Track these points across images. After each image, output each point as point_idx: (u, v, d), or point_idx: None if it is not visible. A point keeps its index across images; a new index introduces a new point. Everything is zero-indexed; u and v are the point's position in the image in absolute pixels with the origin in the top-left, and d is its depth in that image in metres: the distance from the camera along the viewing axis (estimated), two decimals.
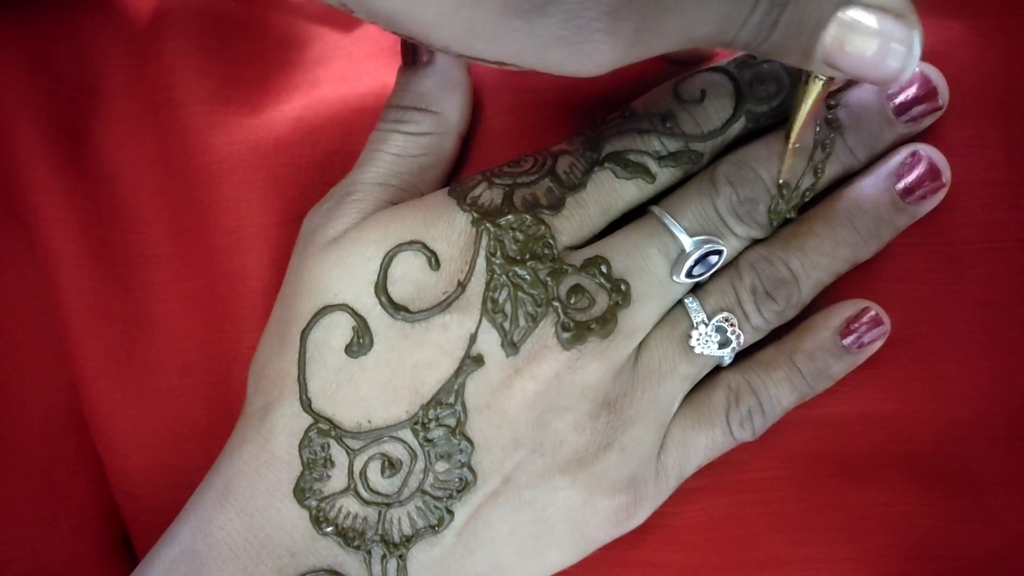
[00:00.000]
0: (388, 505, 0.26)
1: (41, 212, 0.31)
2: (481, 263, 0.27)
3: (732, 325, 0.28)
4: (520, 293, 0.26)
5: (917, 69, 0.28)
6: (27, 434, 0.31)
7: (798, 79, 0.26)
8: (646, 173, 0.28)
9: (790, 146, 0.27)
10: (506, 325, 0.26)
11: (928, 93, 0.28)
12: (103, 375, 0.31)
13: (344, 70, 0.33)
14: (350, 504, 0.26)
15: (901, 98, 0.28)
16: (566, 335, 0.26)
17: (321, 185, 0.30)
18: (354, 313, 0.27)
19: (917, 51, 0.22)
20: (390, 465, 0.26)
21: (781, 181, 0.28)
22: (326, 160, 0.31)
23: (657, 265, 0.28)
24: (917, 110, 0.28)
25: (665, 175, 0.28)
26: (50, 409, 0.32)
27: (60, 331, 0.31)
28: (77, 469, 0.32)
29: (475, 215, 0.27)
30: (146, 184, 0.31)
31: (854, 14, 0.21)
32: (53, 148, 0.31)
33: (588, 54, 0.21)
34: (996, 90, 0.29)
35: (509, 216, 0.27)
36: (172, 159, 0.31)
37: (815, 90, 0.26)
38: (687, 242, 0.27)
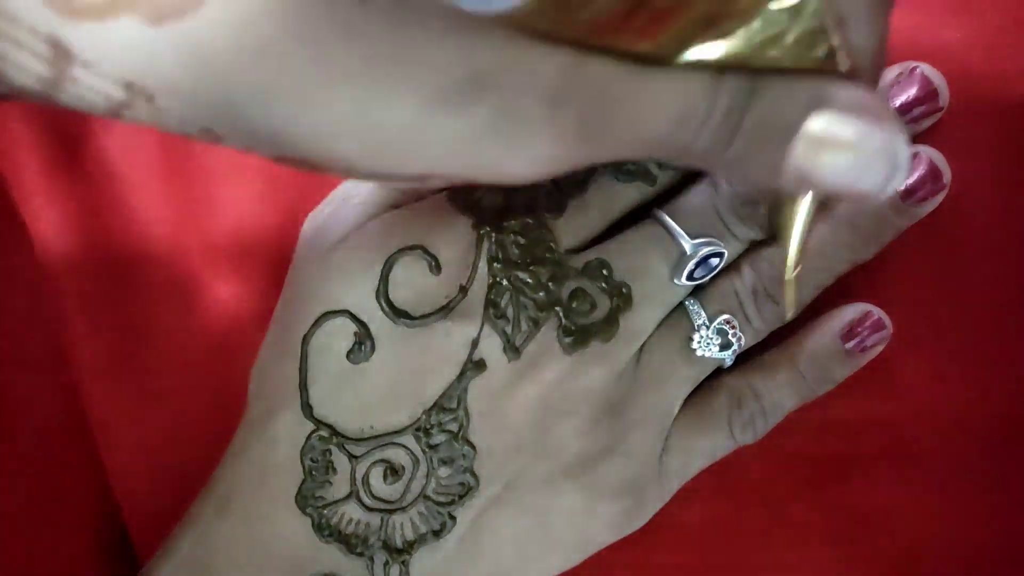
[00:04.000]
0: (390, 511, 0.26)
1: (40, 213, 0.31)
2: (482, 267, 0.27)
3: (733, 327, 0.28)
4: (522, 297, 0.26)
5: (919, 70, 0.28)
6: (26, 437, 0.31)
7: (782, 200, 0.22)
8: (647, 176, 0.28)
9: (788, 277, 0.22)
10: (508, 330, 0.26)
11: (928, 94, 0.28)
12: (103, 377, 0.31)
13: None
14: (352, 511, 0.26)
15: (901, 99, 0.28)
16: (568, 339, 0.26)
17: (321, 185, 0.30)
18: (355, 319, 0.26)
19: (904, 160, 0.18)
20: (392, 471, 0.26)
21: (789, 316, 0.25)
22: None
23: (658, 268, 0.27)
24: (917, 111, 0.28)
25: (666, 177, 0.28)
26: (50, 411, 0.31)
27: (59, 333, 0.31)
28: (77, 472, 0.32)
29: (476, 219, 0.27)
30: (146, 185, 0.31)
31: (827, 119, 0.18)
32: (52, 149, 0.31)
33: (527, 149, 0.17)
34: (997, 90, 0.29)
35: (510, 220, 0.27)
36: (172, 159, 0.31)
37: (805, 209, 0.21)
38: (688, 245, 0.27)
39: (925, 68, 0.28)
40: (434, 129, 0.17)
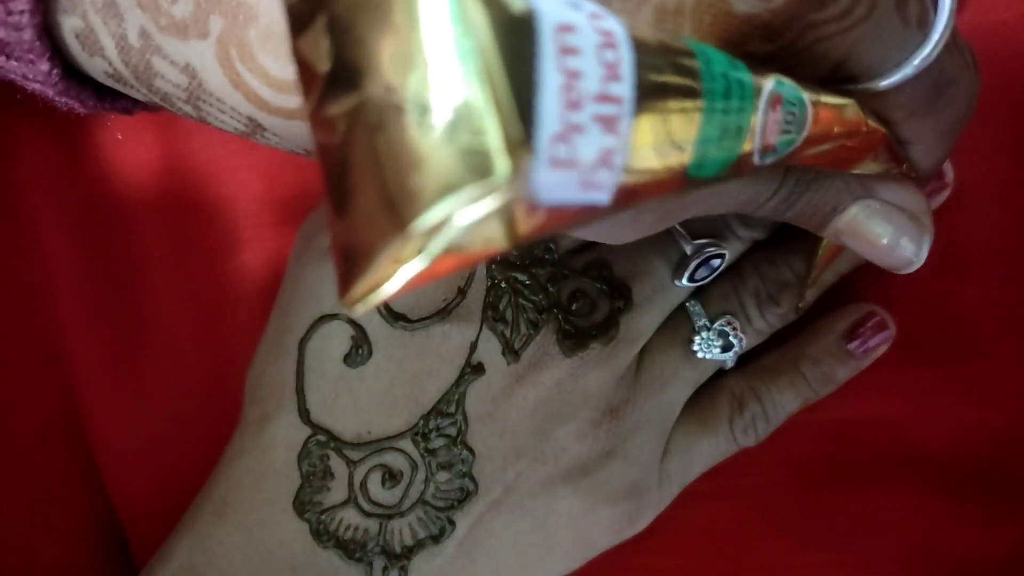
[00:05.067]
0: (389, 516, 0.26)
1: (36, 213, 0.31)
2: (481, 269, 0.26)
3: (735, 329, 0.28)
4: (521, 299, 0.26)
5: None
6: (22, 439, 0.31)
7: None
8: None
9: (810, 283, 0.27)
10: (507, 332, 0.26)
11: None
12: (99, 378, 0.31)
13: None
14: (350, 516, 0.26)
15: None
16: (568, 342, 0.26)
17: (319, 188, 0.30)
18: (352, 322, 0.26)
19: (925, 252, 0.22)
20: (391, 476, 0.26)
21: (800, 305, 0.28)
22: None
23: (659, 269, 0.27)
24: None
25: None
26: (46, 413, 0.31)
27: (56, 334, 0.31)
28: (73, 474, 0.31)
29: None
30: (142, 184, 0.31)
31: (872, 207, 0.22)
32: (48, 147, 0.31)
33: (612, 236, 0.21)
34: (1000, 90, 0.29)
35: None
36: (169, 159, 0.31)
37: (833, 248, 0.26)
38: (689, 245, 0.27)
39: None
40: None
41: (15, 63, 0.20)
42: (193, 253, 0.31)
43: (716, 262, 0.27)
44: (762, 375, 0.28)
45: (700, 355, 0.28)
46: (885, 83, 0.19)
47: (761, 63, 0.16)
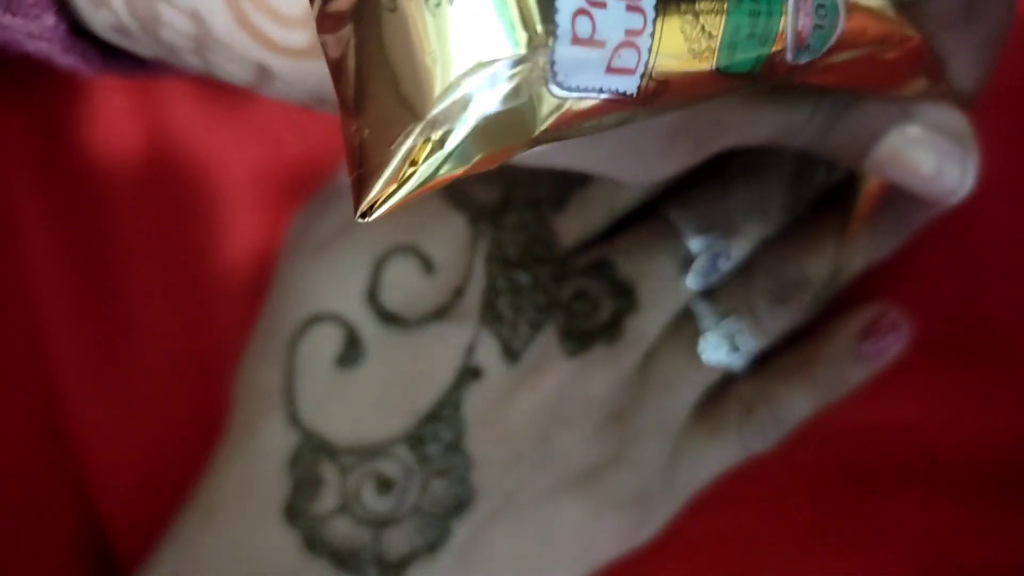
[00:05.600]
0: (383, 525, 0.26)
1: (19, 210, 0.30)
2: (479, 267, 0.26)
3: (743, 330, 0.27)
4: (520, 299, 0.26)
5: None
6: (4, 445, 0.30)
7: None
8: None
9: (848, 238, 0.27)
10: (506, 333, 0.26)
11: None
12: (82, 382, 0.30)
13: None
14: (343, 525, 0.26)
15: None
16: (570, 343, 0.26)
17: (310, 180, 0.30)
18: (344, 323, 0.26)
19: (971, 177, 0.22)
20: (385, 483, 0.26)
21: (808, 306, 0.28)
22: (315, 154, 0.31)
23: (665, 268, 0.27)
24: None
25: None
26: (27, 418, 0.31)
27: (38, 336, 0.30)
28: (57, 482, 0.31)
29: (472, 215, 0.26)
30: (127, 181, 0.31)
31: (912, 131, 0.21)
32: (31, 144, 0.31)
33: (645, 171, 0.22)
34: (1013, 87, 0.29)
35: (508, 216, 0.26)
36: (154, 156, 0.31)
37: (872, 187, 0.26)
38: (696, 243, 0.27)
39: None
40: (565, 150, 0.20)
41: (20, 20, 0.20)
42: (179, 251, 0.30)
43: (724, 261, 0.27)
44: (772, 378, 0.28)
45: (708, 357, 0.27)
46: None
47: None
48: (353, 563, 0.26)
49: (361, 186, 0.11)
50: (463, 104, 0.10)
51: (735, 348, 0.27)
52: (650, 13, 0.12)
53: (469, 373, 0.26)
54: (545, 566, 0.27)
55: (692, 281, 0.27)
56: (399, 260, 0.26)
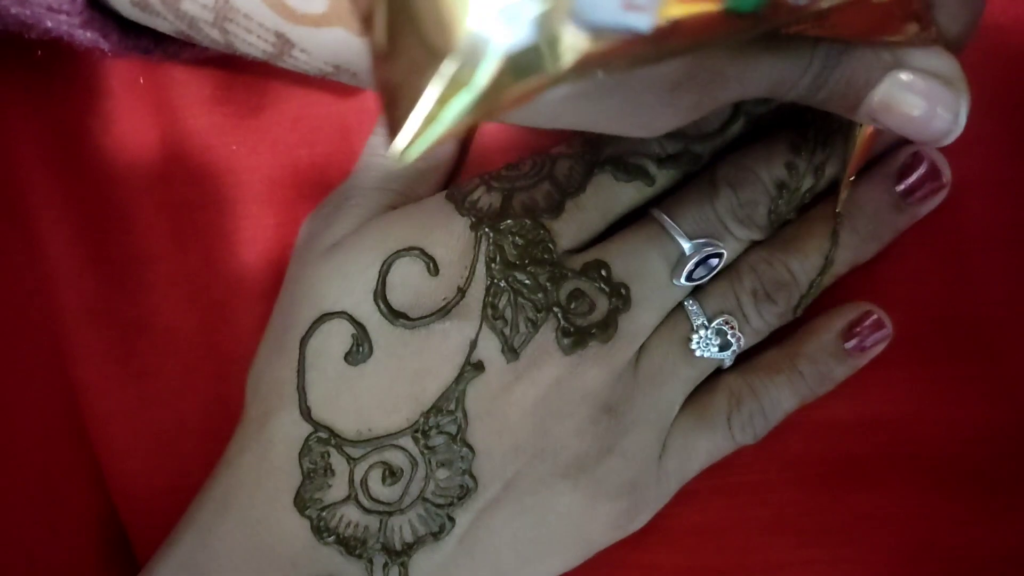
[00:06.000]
0: (389, 513, 0.26)
1: (38, 213, 0.31)
2: (480, 268, 0.26)
3: (732, 327, 0.28)
4: (520, 298, 0.26)
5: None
6: (25, 438, 0.31)
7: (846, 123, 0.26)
8: (645, 176, 0.28)
9: (845, 180, 0.27)
10: (506, 331, 0.26)
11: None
12: (101, 378, 0.31)
13: None
14: (351, 513, 0.26)
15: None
16: (567, 340, 0.26)
17: (319, 186, 0.30)
18: (353, 320, 0.26)
19: (963, 117, 0.22)
20: (391, 473, 0.26)
21: (839, 209, 0.28)
22: (324, 161, 0.31)
23: (657, 268, 0.27)
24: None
25: (664, 177, 0.28)
26: (48, 412, 0.31)
27: (57, 332, 0.31)
28: (76, 473, 0.32)
29: (474, 219, 0.27)
30: (144, 185, 0.31)
31: (903, 77, 0.22)
32: (50, 148, 0.31)
33: (649, 124, 0.22)
34: (996, 88, 0.29)
35: (508, 220, 0.27)
36: (170, 160, 0.31)
37: (868, 130, 0.26)
38: (687, 245, 0.27)
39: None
40: (575, 104, 0.21)
41: None
42: (195, 253, 0.31)
43: (714, 261, 0.27)
44: (760, 373, 0.29)
45: (698, 353, 0.28)
46: None
47: None
48: (360, 550, 0.26)
49: (395, 127, 0.11)
50: (485, 43, 0.10)
51: (724, 345, 0.28)
52: None
53: (471, 368, 0.26)
54: (542, 552, 0.27)
55: (683, 281, 0.27)
56: (405, 261, 0.26)
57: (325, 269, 0.27)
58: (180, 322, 0.31)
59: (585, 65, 0.12)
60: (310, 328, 0.27)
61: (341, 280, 0.27)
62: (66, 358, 0.31)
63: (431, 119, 0.11)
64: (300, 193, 0.30)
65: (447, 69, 0.11)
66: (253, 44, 0.20)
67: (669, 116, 0.21)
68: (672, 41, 0.13)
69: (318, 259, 0.27)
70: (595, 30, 0.11)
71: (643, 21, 0.12)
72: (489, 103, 0.11)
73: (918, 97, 0.22)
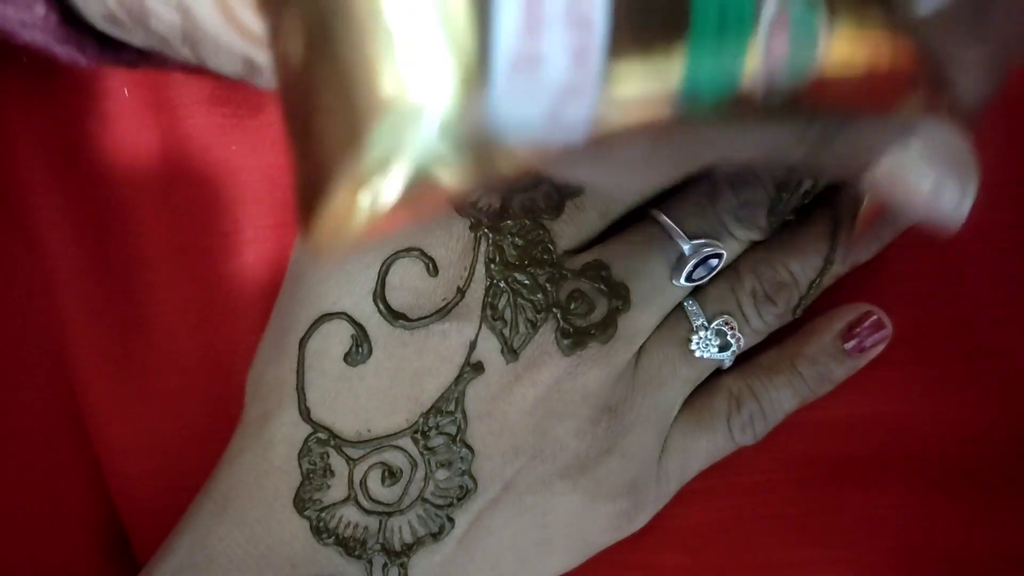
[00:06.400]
0: (389, 514, 0.26)
1: (38, 213, 0.31)
2: (480, 269, 0.26)
3: (732, 328, 0.28)
4: (520, 299, 0.26)
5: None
6: (25, 437, 0.31)
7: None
8: None
9: (844, 245, 0.27)
10: (506, 332, 0.26)
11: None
12: (101, 377, 0.31)
13: None
14: (350, 513, 0.26)
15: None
16: (566, 341, 0.26)
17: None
18: (353, 321, 0.26)
19: (968, 203, 0.21)
20: (390, 474, 0.26)
21: (797, 309, 0.28)
22: None
23: (657, 269, 0.27)
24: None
25: None
26: (48, 412, 0.31)
27: (57, 333, 0.31)
28: (75, 473, 0.32)
29: (473, 220, 0.27)
30: (144, 186, 0.31)
31: (912, 153, 0.20)
32: (50, 148, 0.31)
33: (631, 182, 0.22)
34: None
35: (508, 221, 0.27)
36: (170, 160, 0.31)
37: (864, 203, 0.25)
38: (686, 246, 0.27)
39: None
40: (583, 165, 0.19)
41: (11, 8, 0.20)
42: (195, 253, 0.31)
43: (714, 262, 0.27)
44: (759, 374, 0.29)
45: (698, 354, 0.28)
46: (920, 6, 0.17)
47: None
48: (360, 551, 0.26)
49: (305, 219, 0.11)
50: (398, 136, 0.10)
51: (724, 346, 0.28)
52: (596, 64, 0.10)
53: (471, 369, 0.26)
54: (542, 552, 0.27)
55: (683, 281, 0.27)
56: (405, 262, 0.26)
57: (324, 270, 0.27)
58: (180, 323, 0.31)
59: (522, 168, 0.11)
60: (309, 329, 0.27)
61: (341, 280, 0.27)
62: (66, 358, 0.31)
63: (347, 212, 0.10)
64: None
65: (361, 162, 0.10)
66: (222, 65, 0.19)
67: (649, 176, 0.20)
68: (614, 141, 0.11)
69: (318, 260, 0.27)
70: (521, 139, 0.10)
71: (573, 134, 0.11)
72: (407, 199, 0.10)
73: (926, 172, 0.20)
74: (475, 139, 0.10)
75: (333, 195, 0.10)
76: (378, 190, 0.10)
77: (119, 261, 0.31)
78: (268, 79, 0.19)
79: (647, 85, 0.11)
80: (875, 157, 0.20)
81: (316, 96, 0.10)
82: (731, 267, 0.28)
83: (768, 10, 0.13)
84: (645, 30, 0.11)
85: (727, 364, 0.29)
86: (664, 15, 0.11)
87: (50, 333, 0.31)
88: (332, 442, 0.26)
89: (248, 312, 0.30)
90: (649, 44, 0.11)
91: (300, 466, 0.26)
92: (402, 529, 0.26)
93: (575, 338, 0.26)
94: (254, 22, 0.17)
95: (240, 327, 0.30)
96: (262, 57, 0.18)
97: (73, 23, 0.20)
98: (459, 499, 0.26)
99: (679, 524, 0.29)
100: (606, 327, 0.26)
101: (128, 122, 0.31)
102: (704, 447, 0.28)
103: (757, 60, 0.13)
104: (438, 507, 0.26)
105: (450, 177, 0.10)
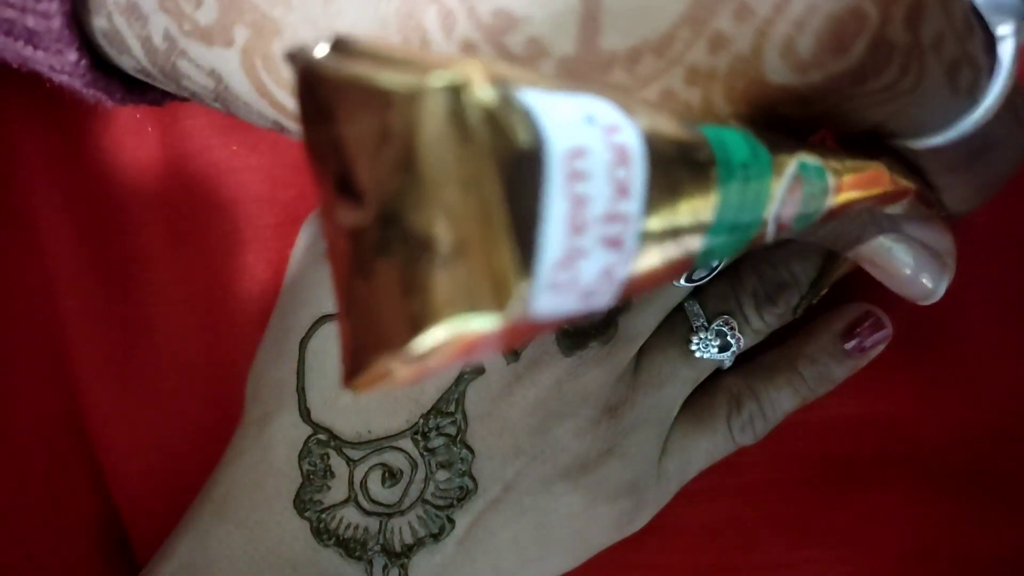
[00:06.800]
0: (389, 515, 0.26)
1: (39, 213, 0.31)
2: None
3: (732, 328, 0.28)
4: None
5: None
6: (25, 438, 0.31)
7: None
8: None
9: (820, 287, 0.28)
10: None
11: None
12: (101, 378, 0.31)
13: None
14: (351, 515, 0.26)
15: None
16: (566, 342, 0.26)
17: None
18: None
19: (943, 288, 0.23)
20: (391, 475, 0.26)
21: (798, 309, 0.28)
22: None
23: None
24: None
25: None
26: (48, 413, 0.31)
27: (58, 333, 0.31)
28: (76, 474, 0.32)
29: None
30: (144, 185, 0.31)
31: (894, 241, 0.23)
32: (50, 148, 0.31)
33: None
34: None
35: None
36: (171, 161, 0.31)
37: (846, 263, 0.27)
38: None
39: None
40: None
41: (43, 53, 0.20)
42: (195, 254, 0.31)
43: (714, 262, 0.27)
44: (760, 374, 0.29)
45: (698, 354, 0.28)
46: (924, 145, 0.18)
47: (787, 136, 0.15)
48: (360, 552, 0.26)
49: (348, 376, 0.12)
50: (442, 342, 0.11)
51: (725, 346, 0.28)
52: (631, 247, 0.12)
53: (471, 370, 0.26)
54: (542, 553, 0.27)
55: (683, 281, 0.27)
56: None
57: (325, 271, 0.27)
58: (180, 323, 0.31)
59: (535, 336, 0.12)
60: (310, 329, 0.27)
61: None
62: (66, 359, 0.31)
63: (384, 375, 0.11)
64: (300, 192, 0.30)
65: (404, 357, 0.11)
66: (254, 121, 0.20)
67: None
68: (632, 296, 0.13)
69: (318, 261, 0.27)
70: (550, 318, 0.12)
71: (601, 303, 0.12)
72: (438, 368, 0.11)
73: (907, 260, 0.23)
74: (513, 329, 0.11)
75: (382, 361, 0.11)
76: (427, 361, 0.11)
77: (119, 261, 0.31)
78: (297, 137, 0.20)
79: (670, 254, 0.13)
80: (862, 240, 0.23)
81: (361, 283, 0.11)
82: (732, 267, 0.28)
83: (788, 174, 0.15)
84: (672, 207, 0.12)
85: (727, 364, 0.29)
86: (691, 192, 0.13)
87: (50, 334, 0.31)
88: (332, 443, 0.26)
89: (248, 312, 0.30)
90: (675, 218, 0.12)
91: (300, 467, 0.26)
92: (402, 530, 0.26)
93: (575, 338, 0.26)
94: (287, 99, 0.18)
95: (240, 327, 0.30)
96: (292, 125, 0.19)
97: (101, 67, 0.21)
98: (459, 500, 0.26)
99: (679, 524, 0.29)
100: (606, 327, 0.26)
101: (128, 122, 0.31)
102: (704, 447, 0.28)
103: (771, 215, 0.15)
104: (438, 508, 0.26)
105: (480, 354, 0.11)
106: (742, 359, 0.29)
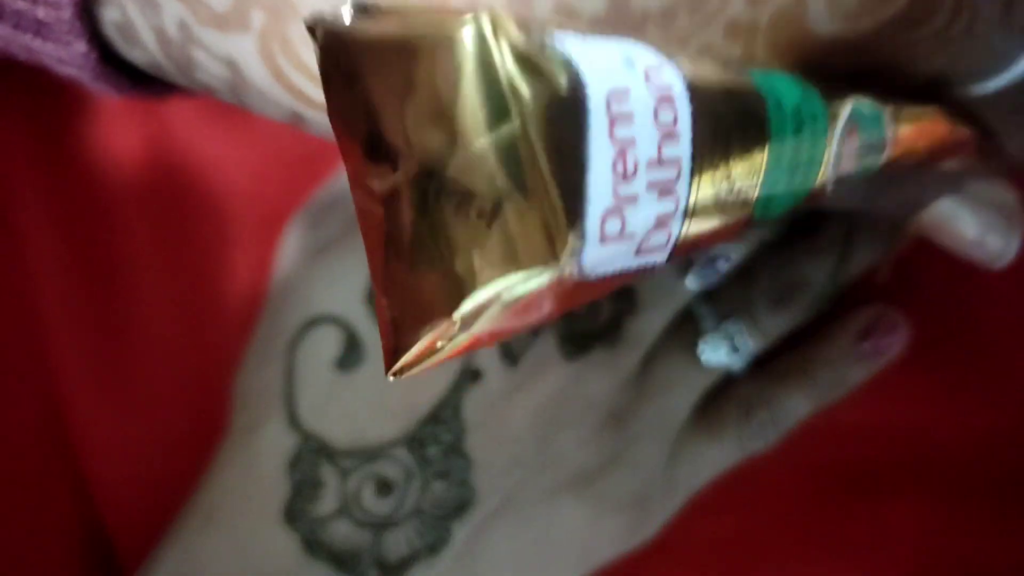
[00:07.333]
0: (383, 527, 0.26)
1: (21, 213, 0.30)
2: None
3: (743, 331, 0.27)
4: None
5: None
6: (5, 445, 0.30)
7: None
8: None
9: (884, 264, 0.28)
10: None
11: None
12: (84, 382, 0.30)
13: None
14: (343, 526, 0.26)
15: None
16: (569, 346, 0.26)
17: (307, 181, 0.29)
18: (343, 325, 0.26)
19: (1015, 246, 0.23)
20: (384, 485, 0.26)
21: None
22: (313, 154, 0.30)
23: (664, 270, 0.27)
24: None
25: None
26: (30, 418, 0.31)
27: (39, 337, 0.30)
28: (58, 481, 0.31)
29: None
30: (129, 185, 0.31)
31: (959, 202, 0.22)
32: (33, 145, 0.30)
33: None
34: None
35: None
36: (156, 159, 0.31)
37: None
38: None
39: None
40: None
41: (51, 45, 0.20)
42: (180, 253, 0.30)
43: (724, 263, 0.27)
44: (772, 379, 0.28)
45: (707, 359, 0.27)
46: (983, 91, 0.18)
47: (839, 81, 0.15)
48: (353, 565, 0.26)
49: (392, 357, 0.11)
50: (490, 303, 0.10)
51: (734, 349, 0.27)
52: (683, 195, 0.11)
53: (469, 376, 0.25)
54: (544, 567, 0.27)
55: (692, 283, 0.26)
56: None
57: (313, 272, 0.26)
58: (165, 326, 0.30)
59: (593, 298, 0.12)
60: (298, 334, 0.26)
61: (331, 283, 0.26)
62: (48, 363, 0.30)
63: (426, 354, 0.11)
64: (287, 189, 0.30)
65: (449, 324, 0.11)
66: (269, 113, 0.20)
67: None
68: (692, 252, 0.13)
69: (306, 261, 0.27)
70: (605, 274, 0.11)
71: (658, 258, 0.12)
72: (484, 341, 0.11)
73: (971, 221, 0.22)
74: (564, 285, 0.11)
75: (422, 340, 0.11)
76: (465, 332, 0.11)
77: (103, 263, 0.31)
78: (313, 129, 0.20)
79: (727, 207, 0.13)
80: (926, 204, 0.22)
81: (401, 250, 0.11)
82: (743, 268, 0.27)
83: (842, 117, 0.14)
84: (725, 155, 0.12)
85: (738, 369, 0.28)
86: (743, 139, 0.12)
87: (33, 338, 0.31)
88: (323, 452, 0.26)
89: (235, 315, 0.30)
90: (729, 167, 0.12)
91: (290, 477, 0.26)
92: (397, 542, 0.26)
93: (578, 342, 0.26)
94: (305, 83, 0.18)
95: (226, 330, 0.30)
96: (309, 114, 0.19)
97: (109, 59, 0.21)
98: (457, 511, 0.26)
99: (688, 536, 0.29)
100: (611, 330, 0.26)
101: (114, 123, 0.31)
102: (714, 456, 0.28)
103: (829, 163, 0.14)
104: (435, 519, 0.26)
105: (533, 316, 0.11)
106: (753, 364, 0.28)
